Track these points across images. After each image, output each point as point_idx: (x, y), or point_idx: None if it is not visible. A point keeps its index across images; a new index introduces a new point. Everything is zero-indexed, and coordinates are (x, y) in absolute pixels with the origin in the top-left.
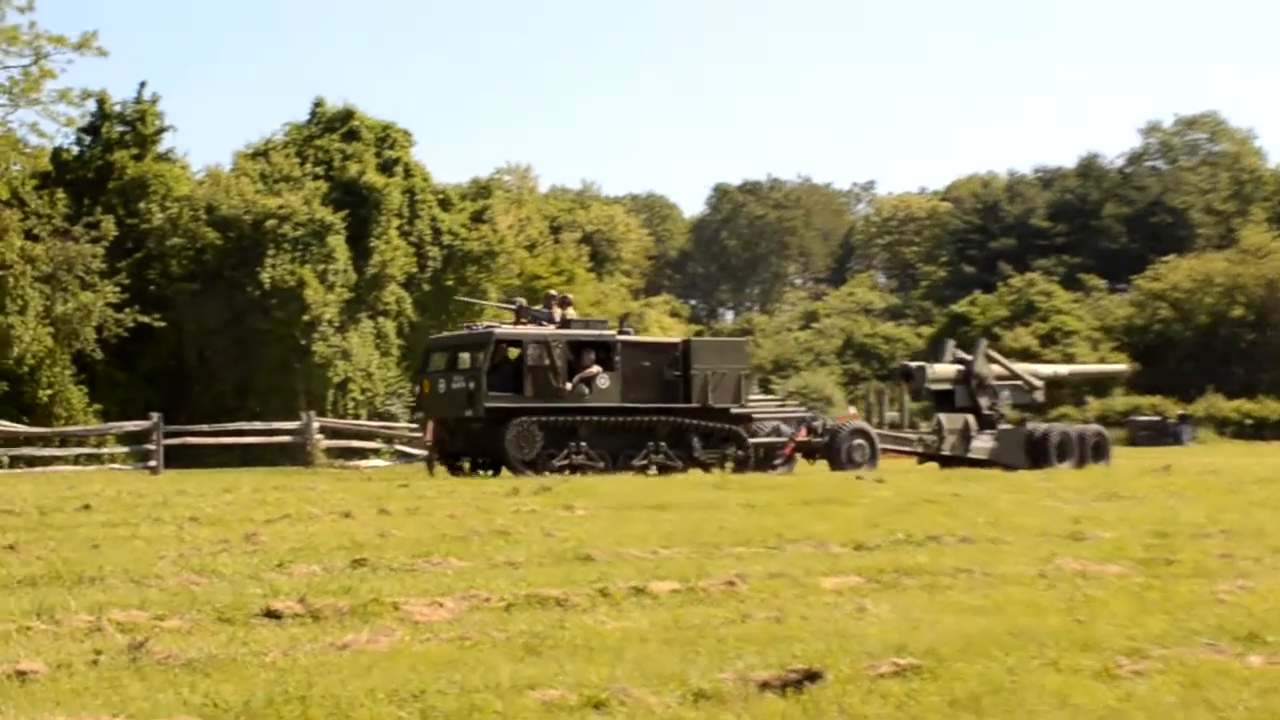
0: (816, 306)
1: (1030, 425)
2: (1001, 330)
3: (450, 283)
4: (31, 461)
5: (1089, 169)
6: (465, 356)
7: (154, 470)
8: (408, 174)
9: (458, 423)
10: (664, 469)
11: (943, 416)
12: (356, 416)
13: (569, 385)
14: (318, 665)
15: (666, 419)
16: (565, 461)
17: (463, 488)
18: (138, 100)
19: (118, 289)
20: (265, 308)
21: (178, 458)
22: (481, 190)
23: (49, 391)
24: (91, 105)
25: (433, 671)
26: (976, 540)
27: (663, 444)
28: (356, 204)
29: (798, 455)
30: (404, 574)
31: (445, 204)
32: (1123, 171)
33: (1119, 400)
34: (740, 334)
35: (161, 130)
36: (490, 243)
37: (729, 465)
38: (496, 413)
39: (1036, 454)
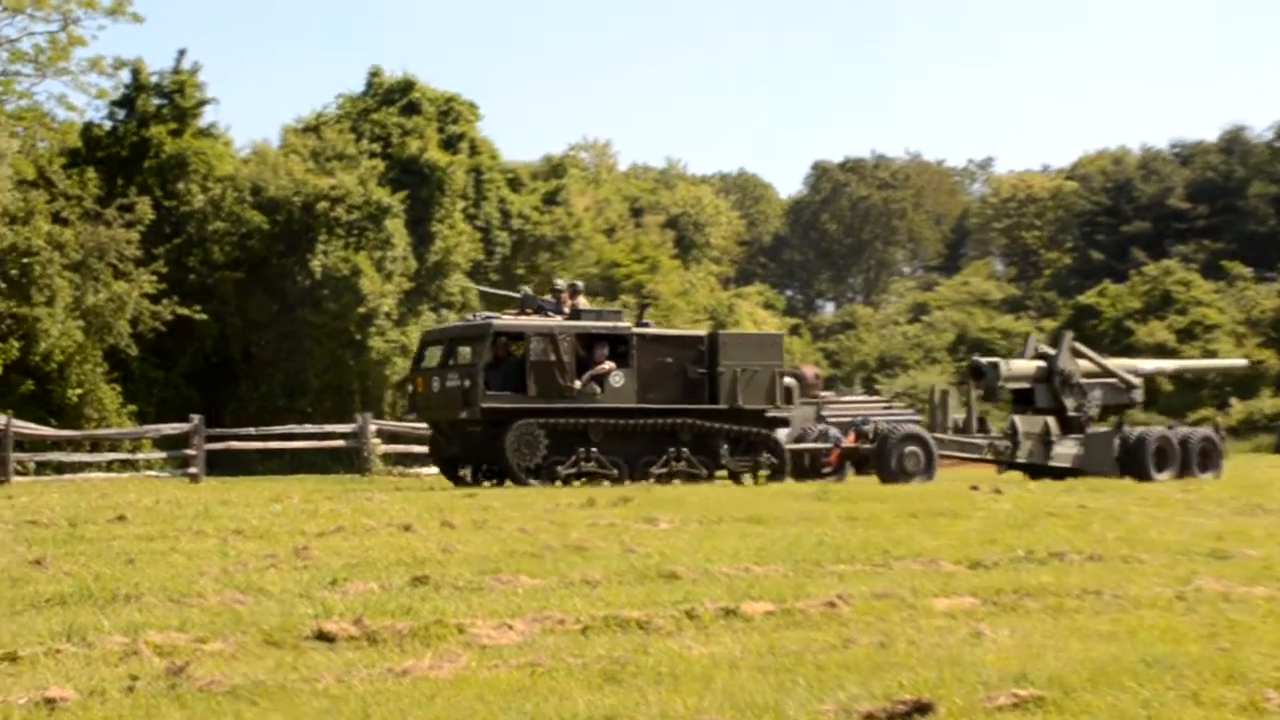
0: (927, 298)
1: (1126, 429)
2: (1134, 324)
3: (520, 271)
4: (60, 468)
5: (1233, 143)
6: (463, 351)
7: (194, 478)
8: (473, 151)
9: (453, 425)
10: (687, 478)
11: (1017, 419)
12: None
13: (578, 384)
14: (374, 693)
15: (689, 422)
16: (574, 469)
17: (533, 498)
18: (176, 70)
19: (154, 278)
20: (316, 299)
21: (220, 464)
22: (555, 169)
23: (79, 391)
24: (125, 75)
25: (501, 701)
26: (1106, 558)
27: (685, 450)
28: (417, 184)
29: (848, 464)
30: (469, 593)
31: (515, 184)
32: (1272, 146)
33: (1267, 402)
34: (844, 326)
35: (202, 103)
36: (564, 227)
37: (761, 474)
38: (495, 414)
39: (1130, 462)
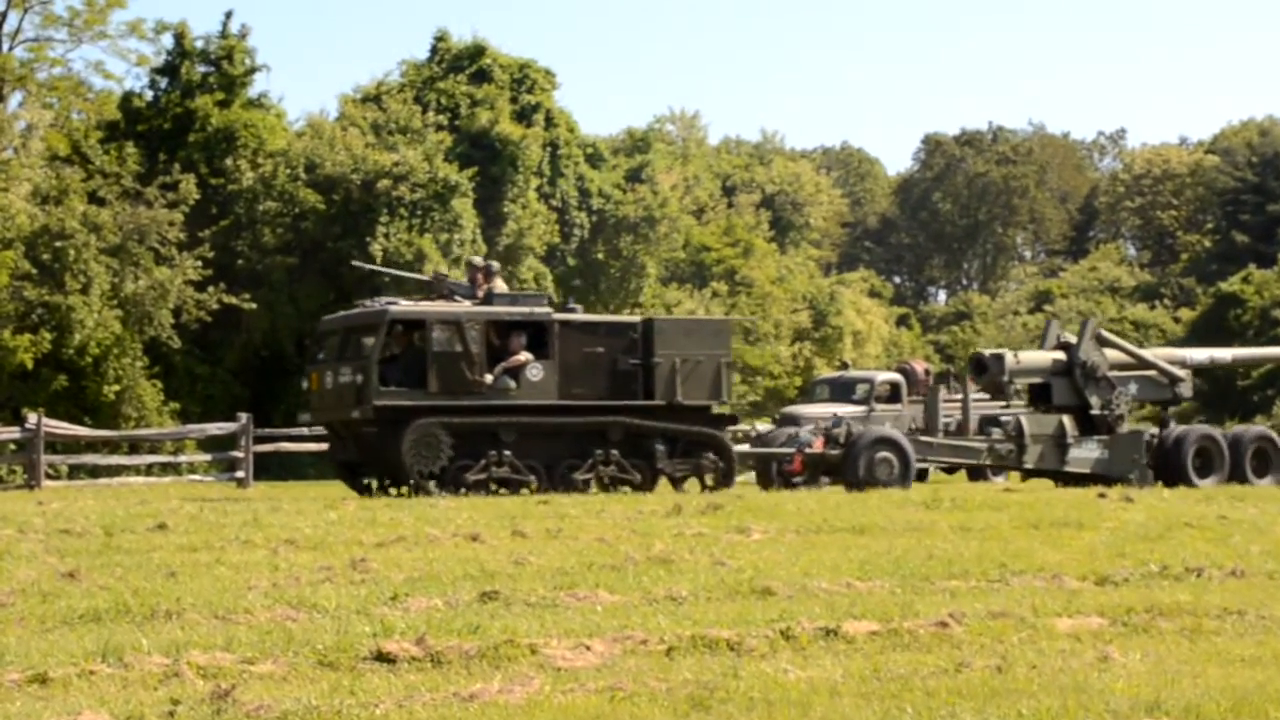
0: (1050, 285)
1: (1170, 429)
2: None
3: (600, 256)
4: (95, 471)
5: None
6: (361, 343)
7: (241, 482)
8: (549, 123)
9: (346, 426)
10: (617, 484)
11: (1023, 418)
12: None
13: (489, 377)
14: None
15: (620, 420)
16: (483, 475)
17: (613, 505)
18: (223, 34)
19: (199, 263)
20: (376, 286)
21: (270, 467)
22: (639, 143)
23: (116, 387)
24: (168, 40)
25: None
26: (1250, 574)
27: (614, 452)
28: (487, 160)
29: (818, 472)
30: (543, 610)
31: (595, 160)
32: None
33: None
34: (958, 316)
35: (252, 71)
36: (649, 206)
37: (707, 480)
38: (390, 413)
39: (1167, 466)
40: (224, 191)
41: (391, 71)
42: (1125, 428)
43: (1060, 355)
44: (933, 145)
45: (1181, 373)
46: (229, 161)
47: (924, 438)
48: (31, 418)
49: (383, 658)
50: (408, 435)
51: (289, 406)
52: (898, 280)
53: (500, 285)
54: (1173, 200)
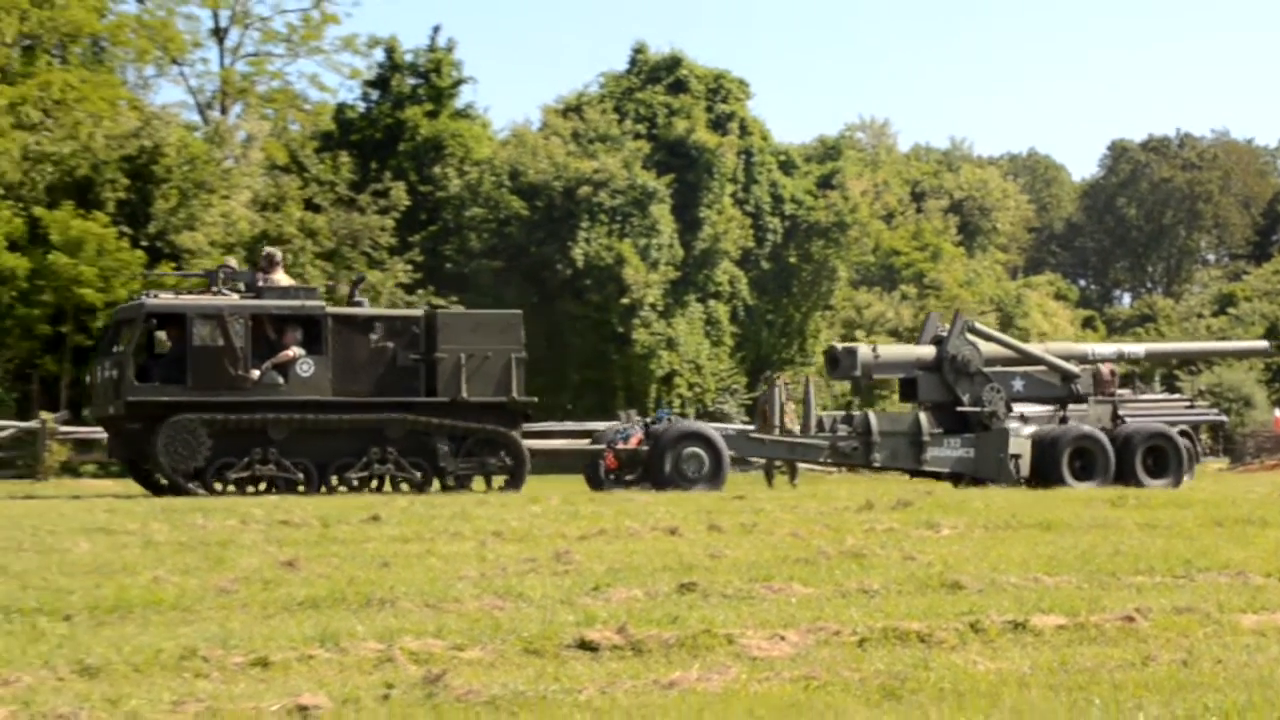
0: (1234, 288)
1: (1048, 427)
2: None
3: (793, 260)
4: None
5: None
6: (121, 336)
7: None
8: (744, 132)
9: (111, 422)
10: (397, 484)
11: (872, 415)
12: (683, 416)
13: (255, 373)
14: (640, 706)
15: (399, 417)
16: (247, 473)
17: (807, 501)
18: (432, 48)
19: (410, 267)
20: (578, 289)
21: None
22: (830, 151)
23: None
24: (379, 54)
25: (774, 716)
26: None
27: (392, 450)
28: (684, 167)
29: (640, 469)
30: (739, 601)
31: (787, 167)
32: None
33: None
34: (1143, 319)
35: (459, 83)
36: (840, 212)
37: (499, 481)
38: (145, 409)
39: (1045, 466)
40: (432, 198)
41: (591, 83)
42: (1001, 425)
43: (930, 350)
44: (1119, 151)
45: (1078, 369)
46: (437, 170)
47: (755, 434)
48: None
49: (585, 646)
50: (162, 432)
51: None
52: (1083, 283)
53: (281, 277)
54: None
